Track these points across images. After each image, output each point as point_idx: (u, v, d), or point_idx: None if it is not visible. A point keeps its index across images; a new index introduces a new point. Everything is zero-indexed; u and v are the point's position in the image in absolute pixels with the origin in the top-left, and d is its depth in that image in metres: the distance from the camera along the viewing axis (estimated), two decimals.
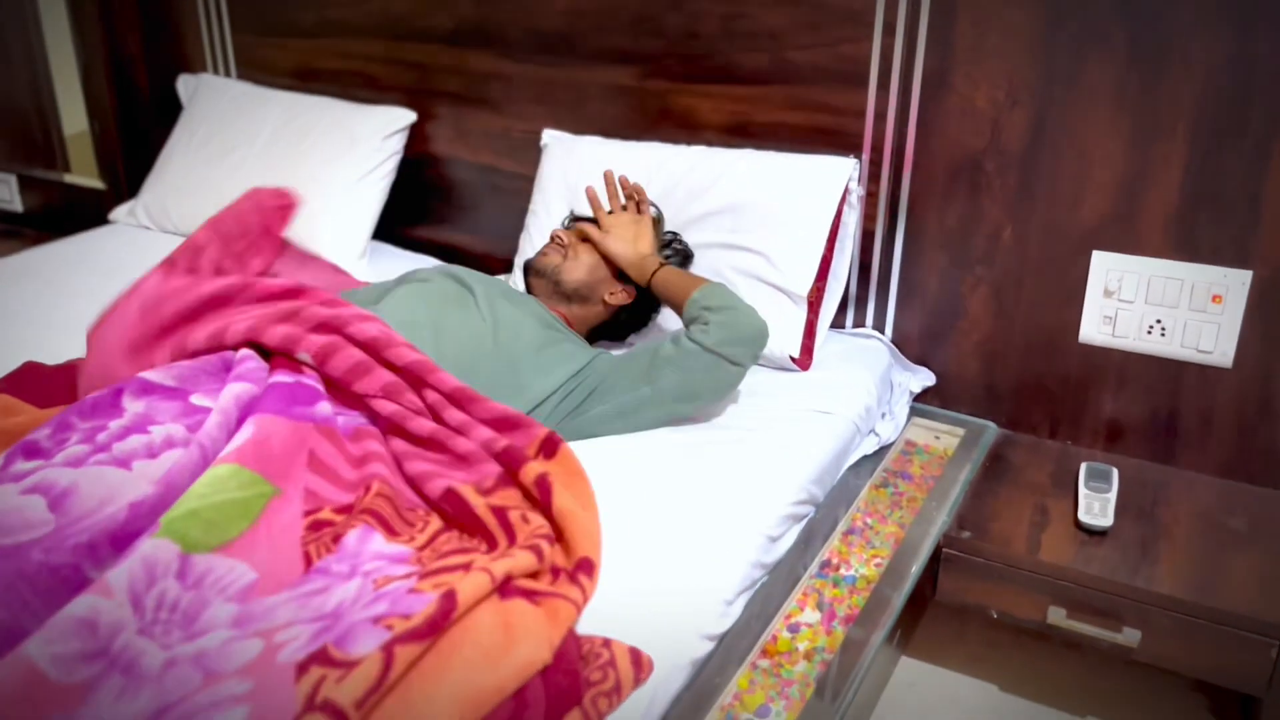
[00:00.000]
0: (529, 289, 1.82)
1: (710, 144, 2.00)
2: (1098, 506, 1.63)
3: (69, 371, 1.59)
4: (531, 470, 1.27)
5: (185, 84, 2.61)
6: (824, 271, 1.86)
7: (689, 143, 2.02)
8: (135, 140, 2.79)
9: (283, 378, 1.32)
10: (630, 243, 1.75)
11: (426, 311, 1.61)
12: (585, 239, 1.78)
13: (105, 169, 2.82)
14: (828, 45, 1.85)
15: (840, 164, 1.85)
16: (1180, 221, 1.67)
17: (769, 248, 1.84)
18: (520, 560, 1.13)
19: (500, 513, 1.22)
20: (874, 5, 1.79)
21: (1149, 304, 1.73)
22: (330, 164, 2.26)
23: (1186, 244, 1.67)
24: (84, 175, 2.89)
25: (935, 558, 1.62)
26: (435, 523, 1.24)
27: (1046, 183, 1.75)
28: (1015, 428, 1.92)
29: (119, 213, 2.52)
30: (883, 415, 1.89)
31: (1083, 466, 1.73)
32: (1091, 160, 1.70)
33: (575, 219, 1.87)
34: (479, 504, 1.22)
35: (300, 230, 2.21)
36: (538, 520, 1.21)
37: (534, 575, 1.16)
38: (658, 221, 1.85)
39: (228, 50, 2.59)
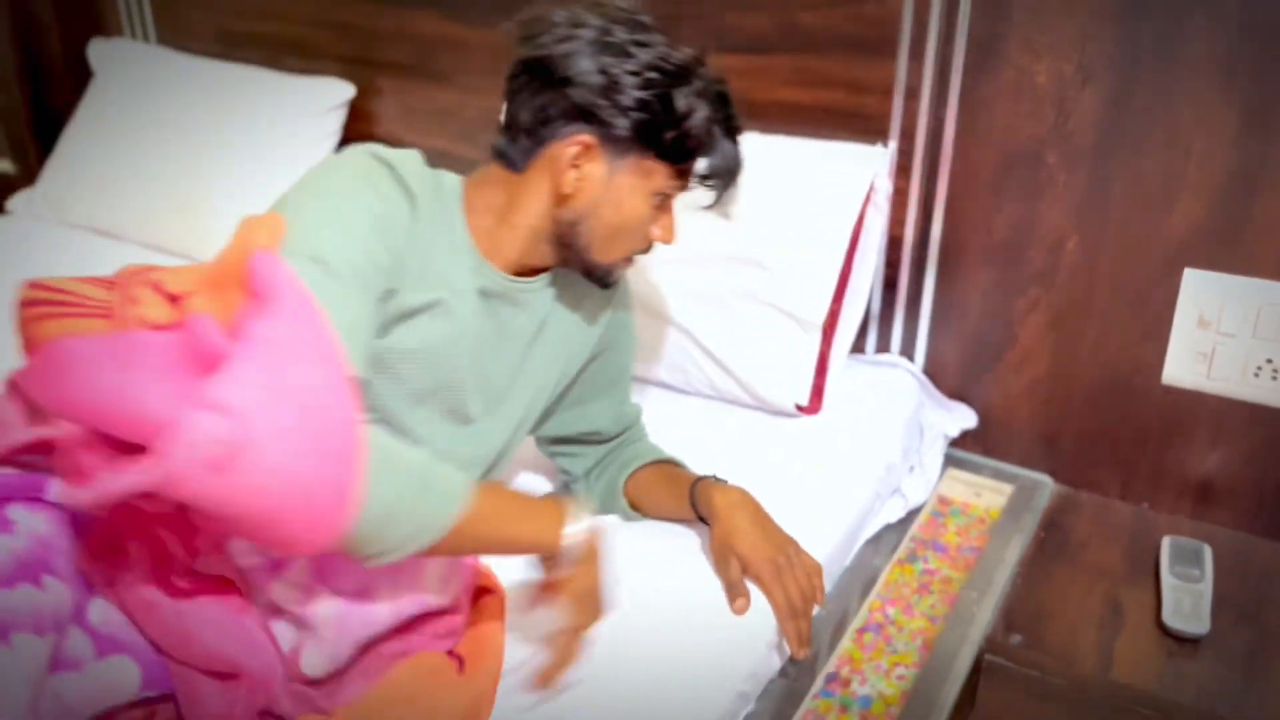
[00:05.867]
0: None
1: None
2: (1189, 603, 1.26)
3: None
4: None
5: (96, 50, 2.24)
6: (841, 290, 1.48)
7: None
8: (48, 117, 2.43)
9: None
10: None
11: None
12: None
13: (15, 149, 2.46)
14: (847, 4, 1.49)
15: (864, 154, 1.48)
16: None
17: (773, 259, 1.47)
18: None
19: None
20: None
21: (1259, 338, 1.36)
22: (255, 147, 1.92)
23: None
24: None
25: (976, 665, 1.26)
26: None
27: (1126, 181, 1.38)
28: (1077, 485, 1.55)
29: (17, 201, 2.17)
30: (910, 469, 1.52)
31: (1165, 541, 1.36)
32: (1188, 153, 1.33)
33: None
34: None
35: (220, 227, 1.88)
36: None
37: None
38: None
39: (144, 11, 2.23)
